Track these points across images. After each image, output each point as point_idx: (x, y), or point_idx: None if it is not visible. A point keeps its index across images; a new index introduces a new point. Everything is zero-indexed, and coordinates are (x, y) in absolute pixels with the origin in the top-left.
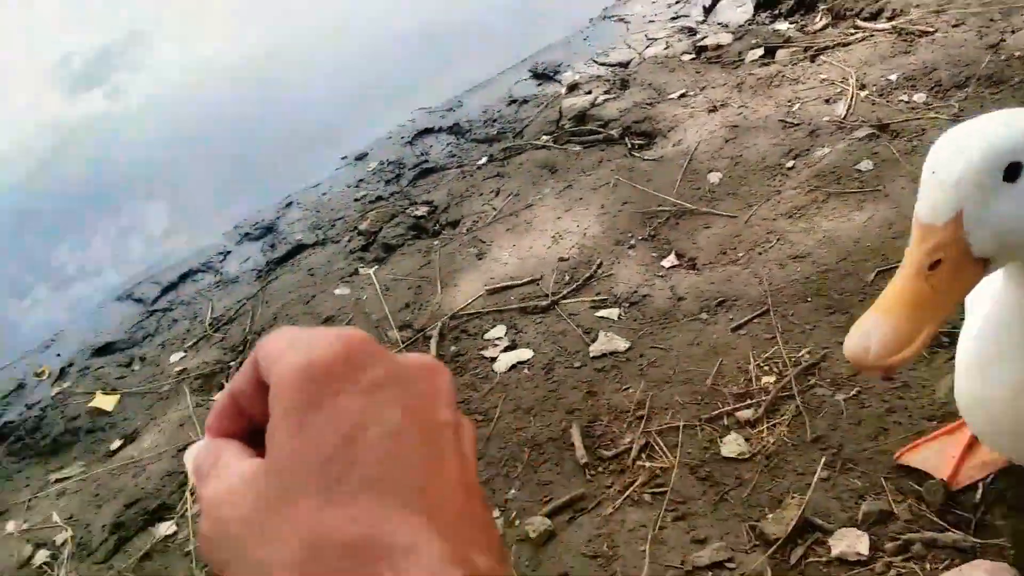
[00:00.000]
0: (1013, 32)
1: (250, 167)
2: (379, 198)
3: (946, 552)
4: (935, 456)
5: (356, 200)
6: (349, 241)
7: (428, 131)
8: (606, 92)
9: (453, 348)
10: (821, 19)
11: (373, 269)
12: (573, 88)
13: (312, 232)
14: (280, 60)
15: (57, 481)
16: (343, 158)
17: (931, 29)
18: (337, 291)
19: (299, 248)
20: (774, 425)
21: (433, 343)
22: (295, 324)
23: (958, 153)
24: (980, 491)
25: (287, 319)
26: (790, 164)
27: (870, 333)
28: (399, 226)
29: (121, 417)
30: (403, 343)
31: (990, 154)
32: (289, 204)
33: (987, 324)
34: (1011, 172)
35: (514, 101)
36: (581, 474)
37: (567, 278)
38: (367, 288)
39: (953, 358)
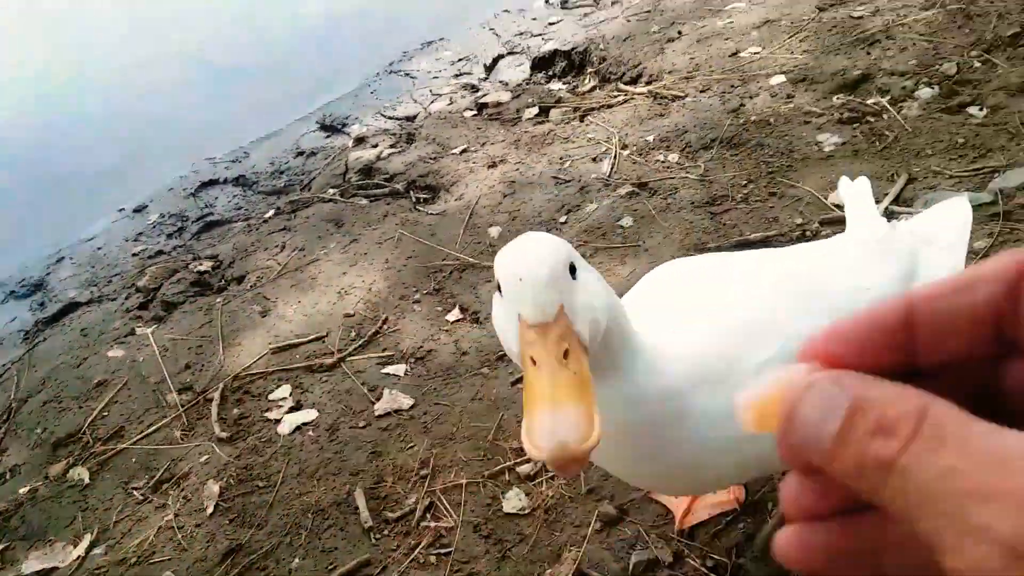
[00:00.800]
0: (751, 98)
1: (14, 214)
2: (160, 252)
3: None
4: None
5: (134, 255)
6: (127, 299)
7: (213, 182)
8: (392, 146)
9: (236, 411)
10: (589, 81)
11: (151, 329)
12: (360, 141)
13: (87, 289)
14: (52, 96)
15: None
16: (120, 210)
17: (682, 94)
18: (111, 353)
19: (71, 307)
20: (553, 477)
21: (214, 406)
22: (64, 390)
23: (540, 257)
24: (714, 531)
25: (56, 384)
26: (563, 219)
27: (555, 429)
28: (180, 282)
29: None
30: (183, 407)
31: (561, 254)
32: (60, 259)
33: None
34: (572, 271)
35: (302, 153)
36: (367, 538)
37: (353, 334)
38: (144, 349)
39: None
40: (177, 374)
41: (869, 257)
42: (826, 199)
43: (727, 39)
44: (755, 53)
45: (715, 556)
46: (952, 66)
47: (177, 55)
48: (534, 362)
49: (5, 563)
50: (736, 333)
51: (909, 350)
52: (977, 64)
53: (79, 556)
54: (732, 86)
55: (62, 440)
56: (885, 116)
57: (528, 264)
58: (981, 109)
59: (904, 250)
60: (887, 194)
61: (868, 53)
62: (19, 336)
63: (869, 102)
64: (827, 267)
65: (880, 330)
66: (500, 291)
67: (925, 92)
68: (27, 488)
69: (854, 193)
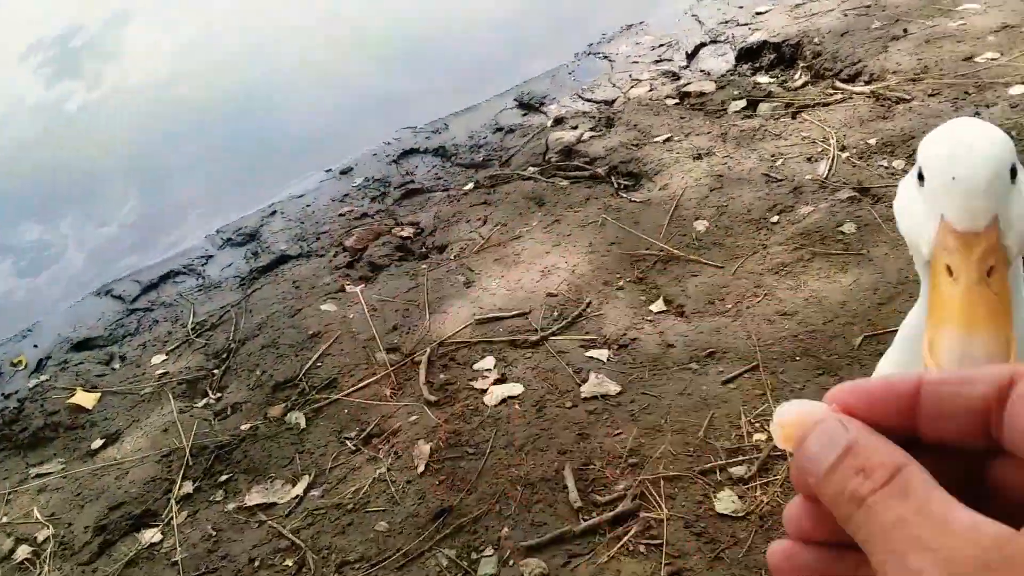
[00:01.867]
0: (987, 107)
1: (231, 170)
2: (364, 215)
3: None
4: None
5: (341, 215)
6: (335, 256)
7: (414, 151)
8: (592, 129)
9: (442, 376)
10: (801, 76)
11: (360, 287)
12: (559, 122)
13: (296, 244)
14: (264, 59)
15: (37, 476)
16: (327, 171)
17: (908, 97)
18: (323, 307)
19: (283, 259)
20: (767, 484)
21: (422, 369)
22: (280, 337)
23: (980, 155)
24: None
25: (272, 331)
26: (775, 219)
27: (966, 353)
28: (386, 246)
29: (102, 416)
30: (391, 366)
31: (1007, 158)
32: (273, 212)
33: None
34: (1013, 173)
35: (500, 129)
36: (575, 517)
37: (556, 314)
38: (354, 306)
39: None
40: (386, 334)
41: None
42: None
43: (959, 41)
44: (992, 59)
45: None
46: None
47: (378, 29)
48: (950, 271)
49: (228, 494)
50: None
51: (912, 421)
52: None
53: (297, 495)
54: (966, 92)
55: (280, 384)
56: None
57: (968, 164)
58: None
59: None
60: None
61: None
62: (236, 282)
63: None
64: None
65: (893, 396)
66: (920, 179)
67: None
68: (248, 425)
69: None
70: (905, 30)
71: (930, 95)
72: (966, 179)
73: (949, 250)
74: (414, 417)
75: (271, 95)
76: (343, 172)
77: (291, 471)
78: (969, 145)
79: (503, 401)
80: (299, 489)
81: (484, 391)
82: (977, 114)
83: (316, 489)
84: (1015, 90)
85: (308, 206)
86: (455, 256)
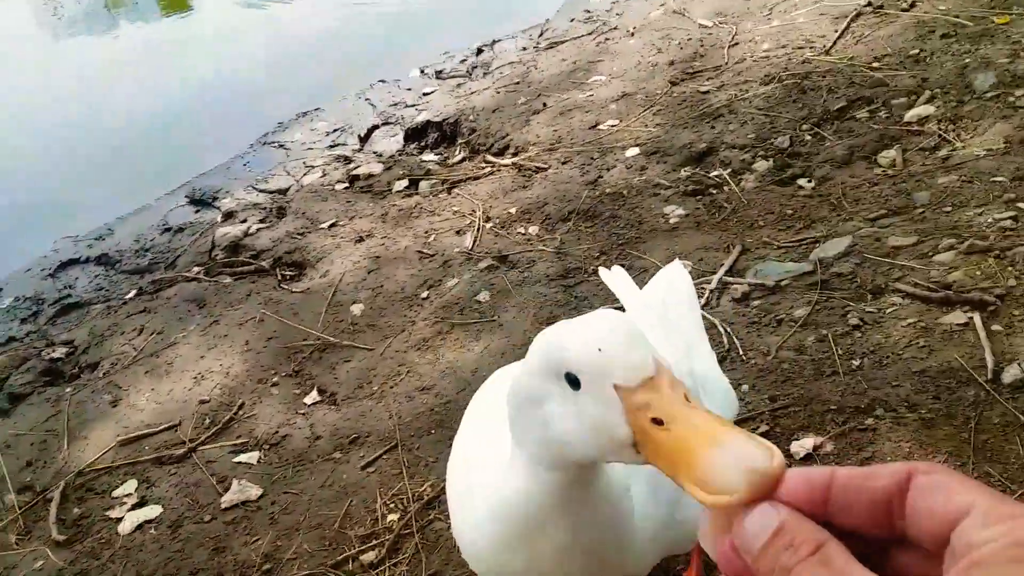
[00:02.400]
0: (608, 170)
1: None
2: (11, 339)
3: None
4: None
5: None
6: None
7: (74, 262)
8: (261, 220)
9: (76, 511)
10: (460, 152)
11: None
12: (229, 216)
13: None
14: None
15: None
16: None
17: (545, 165)
18: None
19: None
20: (395, 564)
21: (53, 507)
22: None
23: (611, 325)
24: None
25: None
26: (424, 294)
27: (737, 461)
28: (30, 371)
29: None
30: (20, 508)
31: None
32: None
33: (516, 504)
34: (572, 381)
35: (168, 229)
36: None
37: (207, 421)
38: None
39: None
40: (18, 472)
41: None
42: None
43: (588, 111)
44: (613, 125)
45: None
46: (785, 139)
47: (44, 130)
48: (658, 422)
49: None
50: None
51: (825, 509)
52: (808, 137)
53: None
54: (591, 158)
55: None
56: (725, 188)
57: (602, 332)
58: (810, 181)
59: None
60: (723, 264)
61: (713, 127)
62: None
63: (712, 175)
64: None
65: (808, 487)
66: (573, 384)
67: (761, 165)
68: None
69: (618, 281)
70: (545, 104)
71: (563, 163)
72: (610, 341)
73: (642, 406)
74: (40, 563)
75: None
76: None
77: None
78: (590, 325)
79: (138, 527)
80: None
81: (120, 520)
82: (599, 177)
83: None
84: (630, 152)
85: None
86: (104, 373)
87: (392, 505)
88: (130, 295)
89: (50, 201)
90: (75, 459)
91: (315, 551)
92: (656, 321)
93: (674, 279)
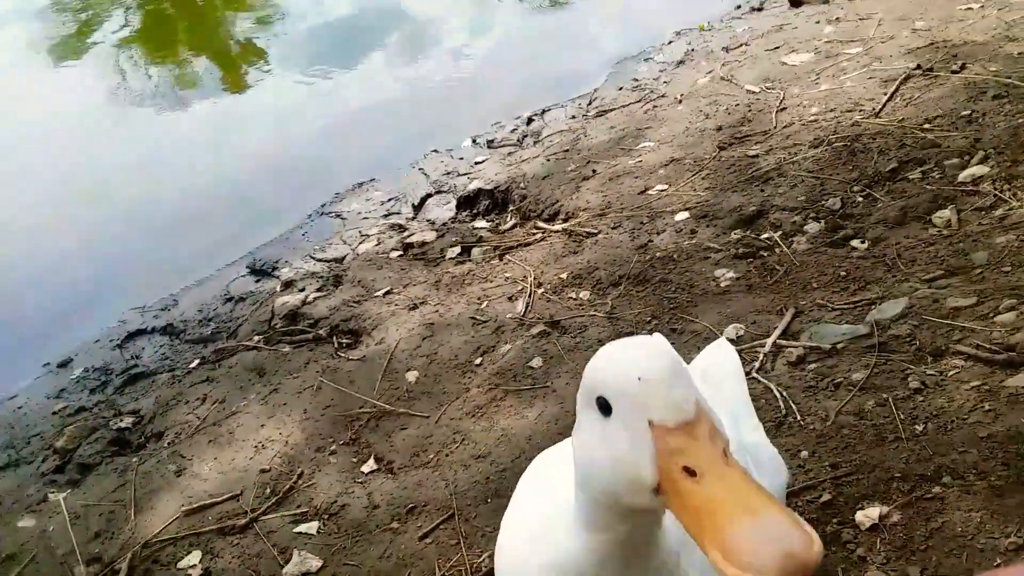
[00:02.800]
0: (658, 234)
1: None
2: (81, 409)
3: None
4: None
5: (55, 413)
6: (43, 461)
7: (140, 332)
8: (319, 289)
9: None
10: (511, 219)
11: (64, 494)
12: (288, 285)
13: (3, 452)
14: None
15: None
16: (45, 365)
17: (595, 231)
18: (20, 523)
19: None
20: None
21: None
22: None
23: (657, 354)
24: None
25: None
26: (478, 361)
27: (772, 539)
28: (99, 441)
29: None
30: None
31: (673, 352)
32: None
33: (566, 565)
34: (603, 406)
35: (230, 299)
36: None
37: (268, 491)
38: (55, 516)
39: None
40: (87, 543)
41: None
42: (720, 334)
43: (637, 177)
44: (662, 190)
45: None
46: (837, 201)
47: (107, 204)
48: (690, 473)
49: None
50: None
51: None
52: (859, 199)
53: None
54: (641, 223)
55: None
56: (776, 251)
57: (645, 360)
58: (863, 242)
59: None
60: (776, 327)
61: (762, 190)
62: None
63: (763, 237)
64: None
65: None
66: (605, 411)
67: (812, 227)
68: None
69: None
70: (594, 170)
71: (613, 228)
72: (652, 373)
73: (676, 450)
74: None
75: None
76: (61, 364)
77: None
78: (636, 350)
79: None
80: None
81: None
82: (650, 241)
83: None
84: (679, 216)
85: (20, 407)
86: (169, 443)
87: None
88: (194, 364)
89: (118, 273)
90: (142, 530)
91: None
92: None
93: (720, 353)
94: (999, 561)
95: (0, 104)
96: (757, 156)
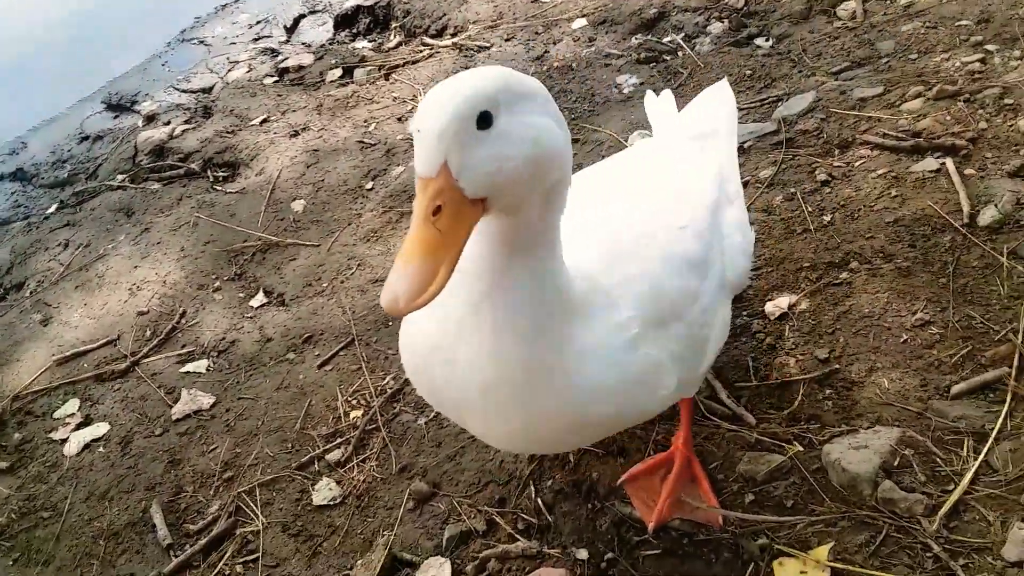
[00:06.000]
0: (555, 44)
1: None
2: None
3: (518, 562)
4: (645, 494)
5: None
6: None
7: None
8: (187, 121)
9: (17, 436)
10: (395, 36)
11: None
12: (151, 119)
13: None
14: None
15: None
16: None
17: (487, 44)
18: None
19: None
20: (364, 460)
21: None
22: None
23: (438, 109)
24: (534, 491)
25: None
26: (369, 185)
27: (395, 284)
28: None
29: None
30: None
31: (462, 107)
32: None
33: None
34: (483, 121)
35: (86, 138)
36: (167, 557)
37: (148, 333)
38: None
39: None
40: None
41: (695, 155)
42: (626, 141)
43: None
44: None
45: (526, 517)
46: None
47: None
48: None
49: None
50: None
51: None
52: None
53: None
54: (536, 33)
55: None
56: (680, 54)
57: (427, 115)
58: (768, 39)
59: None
60: None
61: None
62: None
63: (665, 40)
64: (681, 173)
65: None
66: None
67: (716, 27)
68: None
69: (661, 105)
70: None
71: (506, 40)
72: (425, 130)
73: (417, 195)
74: None
75: None
76: None
77: None
78: (436, 99)
79: (86, 447)
80: None
81: (64, 440)
82: (546, 52)
83: None
84: (577, 23)
85: None
86: (31, 292)
87: (354, 402)
88: (51, 210)
89: None
90: (10, 383)
91: (277, 454)
92: (691, 145)
93: (718, 99)
94: (905, 337)
95: None
96: None
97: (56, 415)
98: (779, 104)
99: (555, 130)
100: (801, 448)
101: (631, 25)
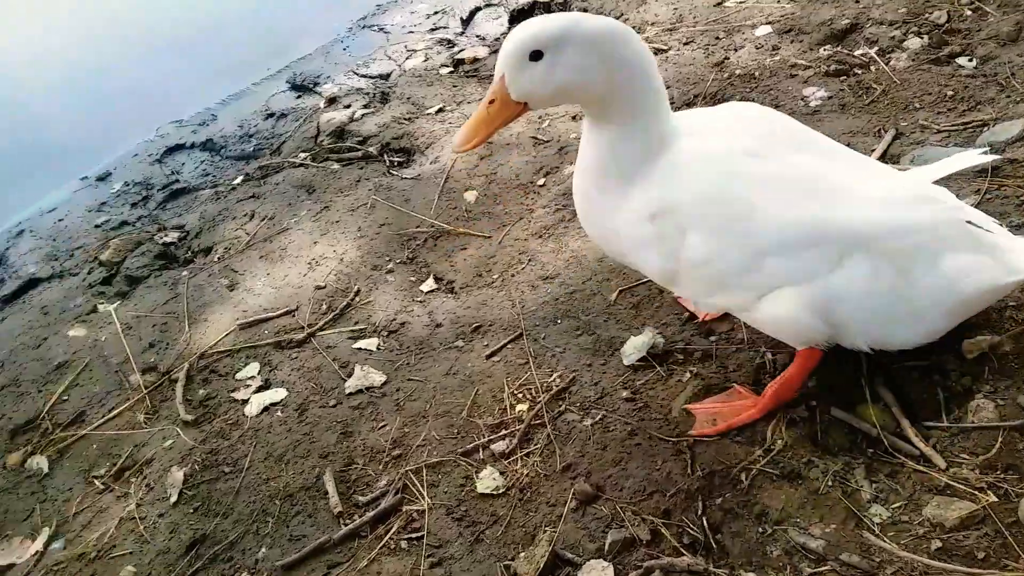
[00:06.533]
0: (736, 51)
1: None
2: (124, 223)
3: None
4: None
5: (97, 226)
6: (89, 273)
7: (179, 147)
8: (365, 106)
9: (202, 392)
10: None
11: (114, 305)
12: (332, 102)
13: (47, 264)
14: (21, 59)
15: None
16: (83, 178)
17: (665, 47)
18: (72, 332)
19: (32, 283)
20: (528, 455)
21: (179, 387)
22: (22, 373)
23: (509, 42)
24: (701, 507)
25: (14, 367)
26: (541, 181)
27: (455, 136)
28: (145, 255)
29: None
30: (146, 388)
31: (520, 46)
32: (20, 232)
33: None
34: (534, 56)
35: (271, 115)
36: (336, 524)
37: (324, 307)
38: (107, 327)
39: (683, 379)
40: (141, 353)
41: (896, 200)
42: None
43: None
44: (740, 3)
45: (692, 532)
46: (942, 14)
47: (137, 20)
48: (491, 102)
49: None
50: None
51: None
52: (968, 12)
53: (37, 551)
54: (716, 38)
55: (20, 427)
56: (873, 68)
57: (506, 41)
58: (971, 60)
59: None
60: (874, 150)
61: (856, 1)
62: None
63: (857, 53)
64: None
65: None
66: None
67: (914, 42)
68: None
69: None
70: None
71: (684, 43)
72: (500, 51)
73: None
74: (169, 442)
75: (22, 110)
76: (100, 178)
77: (31, 524)
78: (512, 34)
79: (265, 410)
80: (39, 544)
81: (246, 401)
82: (726, 58)
83: (58, 541)
84: (760, 31)
85: (61, 220)
86: (219, 258)
87: (520, 395)
88: (238, 180)
89: (152, 88)
90: (196, 341)
91: (444, 438)
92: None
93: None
94: None
95: None
96: None
97: (238, 376)
98: (984, 129)
99: (589, 70)
100: (996, 499)
101: (820, 35)
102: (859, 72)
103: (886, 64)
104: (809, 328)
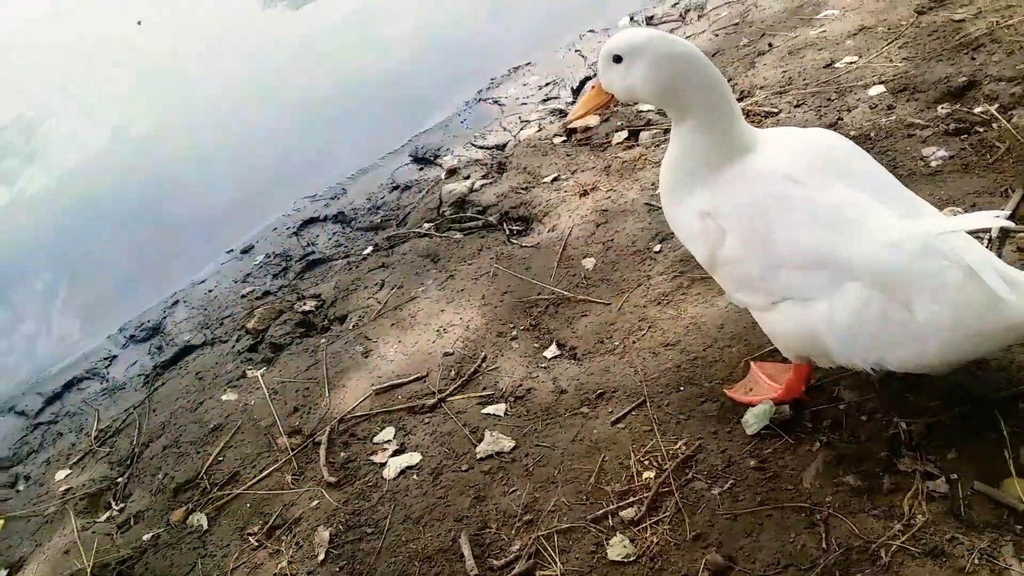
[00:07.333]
0: (849, 111)
1: (133, 260)
2: (267, 293)
3: None
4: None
5: (243, 296)
6: (237, 340)
7: (314, 220)
8: (484, 176)
9: (343, 454)
10: None
11: (261, 371)
12: (452, 173)
13: (200, 332)
14: (163, 147)
15: None
16: (229, 251)
17: (775, 110)
18: (225, 396)
19: (187, 349)
20: (657, 523)
21: (322, 450)
22: (182, 434)
23: (603, 48)
24: None
25: (175, 429)
26: (657, 248)
27: (572, 110)
28: (287, 323)
29: (5, 544)
30: (292, 450)
31: (607, 51)
32: (175, 303)
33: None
34: (616, 59)
35: (396, 187)
36: None
37: (453, 373)
38: (255, 392)
39: (812, 449)
40: (287, 417)
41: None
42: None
43: (821, 49)
44: (851, 63)
45: None
46: None
47: (271, 99)
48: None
49: None
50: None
51: None
52: None
53: None
54: (828, 99)
55: (182, 485)
56: (995, 125)
57: (604, 46)
58: None
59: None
60: (1002, 210)
61: (973, 58)
62: (140, 380)
63: (976, 111)
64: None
65: None
66: None
67: None
68: (150, 535)
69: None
70: (770, 44)
71: (796, 106)
72: (601, 51)
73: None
74: (315, 502)
75: (179, 177)
76: (244, 251)
77: None
78: (606, 43)
79: (401, 473)
80: None
81: (383, 464)
82: (840, 119)
83: None
84: (873, 91)
85: (210, 291)
86: (354, 326)
87: (646, 462)
88: (367, 251)
89: (287, 165)
90: (336, 406)
91: (573, 504)
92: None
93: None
94: None
95: (161, 14)
96: (963, 20)
97: (376, 439)
98: None
99: (654, 81)
100: None
101: (936, 93)
102: (980, 130)
103: (1008, 121)
104: (798, 340)
